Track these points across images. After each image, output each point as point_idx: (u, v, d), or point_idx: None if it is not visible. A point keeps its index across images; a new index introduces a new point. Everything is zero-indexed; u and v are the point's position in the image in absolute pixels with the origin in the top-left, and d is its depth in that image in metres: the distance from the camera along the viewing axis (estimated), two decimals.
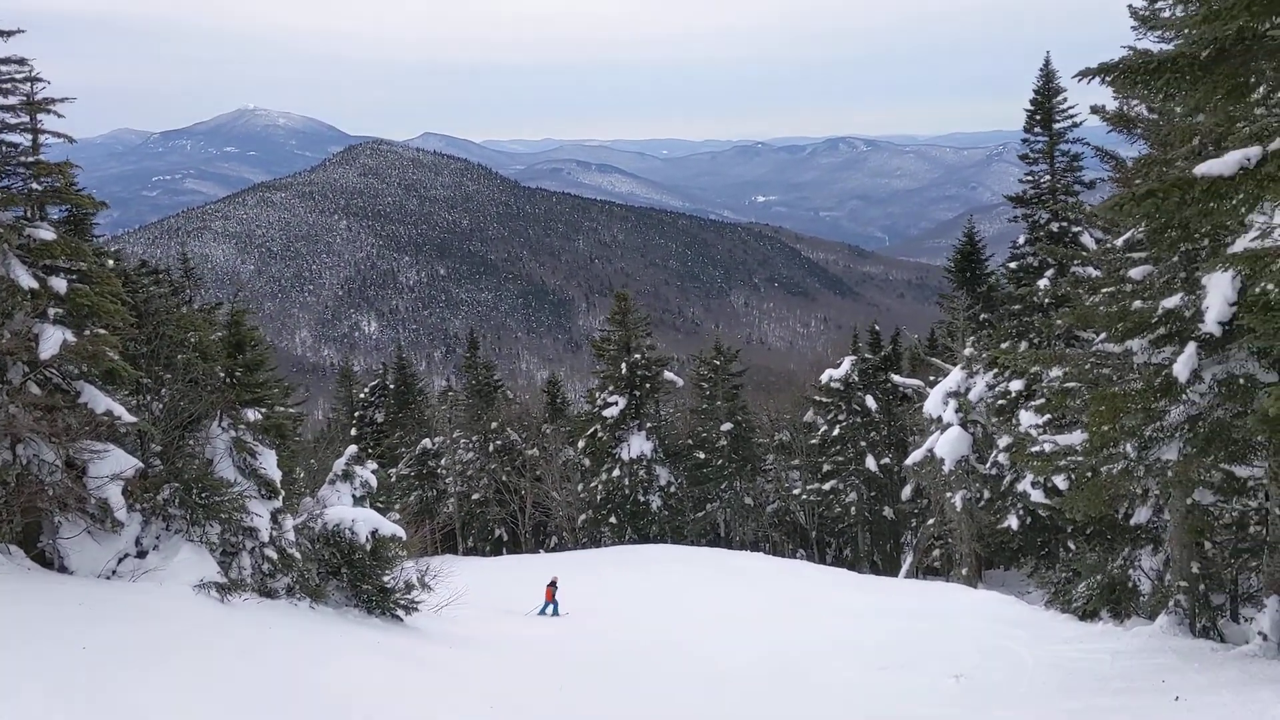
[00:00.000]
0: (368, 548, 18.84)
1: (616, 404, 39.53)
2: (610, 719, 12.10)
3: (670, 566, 32.11)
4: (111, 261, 17.30)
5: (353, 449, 20.30)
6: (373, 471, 20.76)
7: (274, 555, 17.13)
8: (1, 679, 7.94)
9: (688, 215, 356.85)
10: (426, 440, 45.87)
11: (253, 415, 17.95)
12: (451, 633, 20.39)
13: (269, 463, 17.53)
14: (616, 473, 39.23)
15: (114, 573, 14.98)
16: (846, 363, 37.51)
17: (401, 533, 19.40)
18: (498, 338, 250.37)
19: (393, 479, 46.60)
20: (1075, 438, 14.03)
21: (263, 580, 17.08)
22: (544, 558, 39.28)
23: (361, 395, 50.36)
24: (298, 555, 17.76)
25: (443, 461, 45.72)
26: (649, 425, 40.01)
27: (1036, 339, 24.16)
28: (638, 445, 39.42)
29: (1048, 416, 19.78)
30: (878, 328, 40.99)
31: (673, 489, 39.90)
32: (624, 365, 39.38)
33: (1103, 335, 13.29)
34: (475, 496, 45.02)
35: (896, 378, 34.38)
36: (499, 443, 44.97)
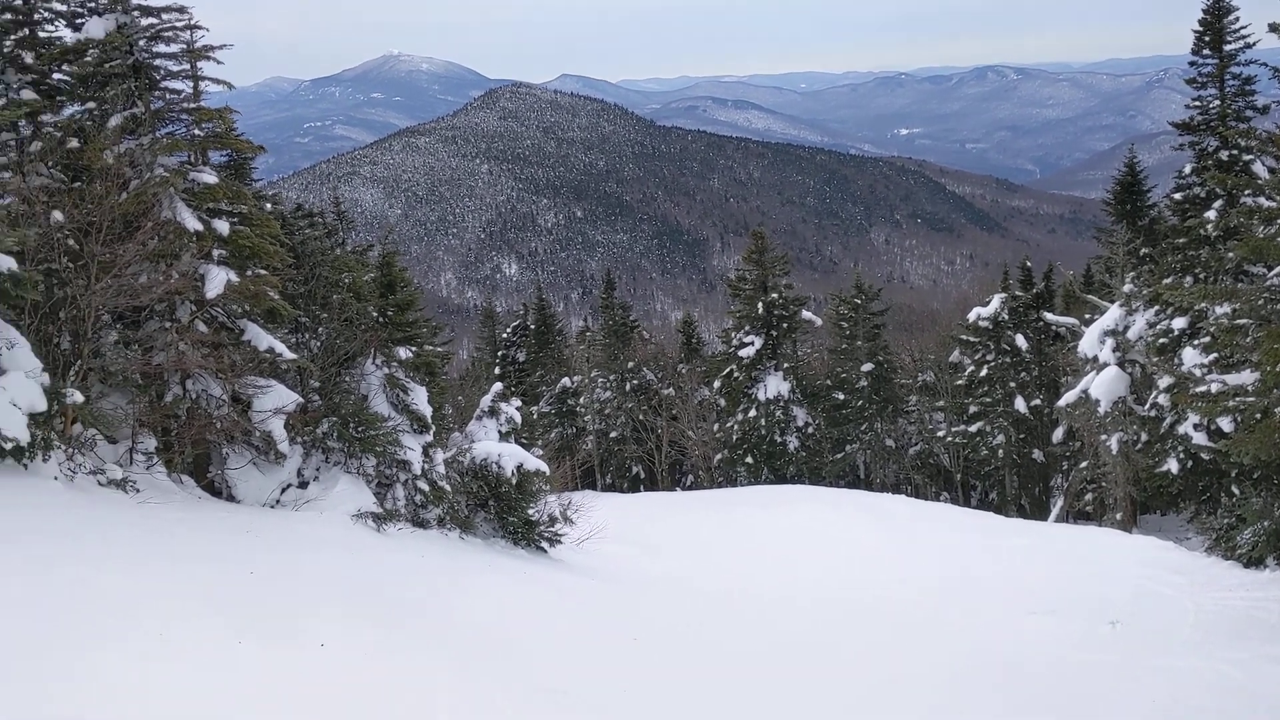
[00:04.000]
0: (513, 481, 19.27)
1: (753, 344, 39.28)
2: (747, 656, 12.12)
3: (808, 506, 31.79)
4: (270, 205, 17.93)
5: (498, 386, 20.73)
6: (516, 408, 21.19)
7: (426, 487, 17.70)
8: (177, 600, 8.40)
9: (826, 150, 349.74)
10: (566, 379, 46.60)
11: (404, 353, 18.51)
12: (591, 565, 20.78)
13: (420, 399, 18.07)
14: (753, 413, 39.09)
15: (278, 502, 15.75)
16: (996, 300, 36.33)
17: (545, 468, 19.79)
18: (633, 279, 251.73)
19: (534, 416, 47.62)
20: (1245, 377, 13.27)
21: (415, 511, 17.69)
22: (680, 495, 39.58)
23: (504, 335, 51.38)
24: (448, 488, 18.31)
25: (581, 400, 46.39)
26: (786, 365, 39.65)
27: (1203, 274, 22.88)
28: (774, 386, 39.16)
29: (1214, 355, 18.76)
30: (1029, 264, 39.51)
31: (810, 430, 39.57)
32: (760, 304, 39.02)
33: (1276, 269, 12.46)
34: (613, 434, 45.60)
35: (1049, 316, 33.14)
36: (635, 382, 45.34)
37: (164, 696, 6.25)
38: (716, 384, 41.04)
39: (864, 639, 13.85)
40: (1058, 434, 32.14)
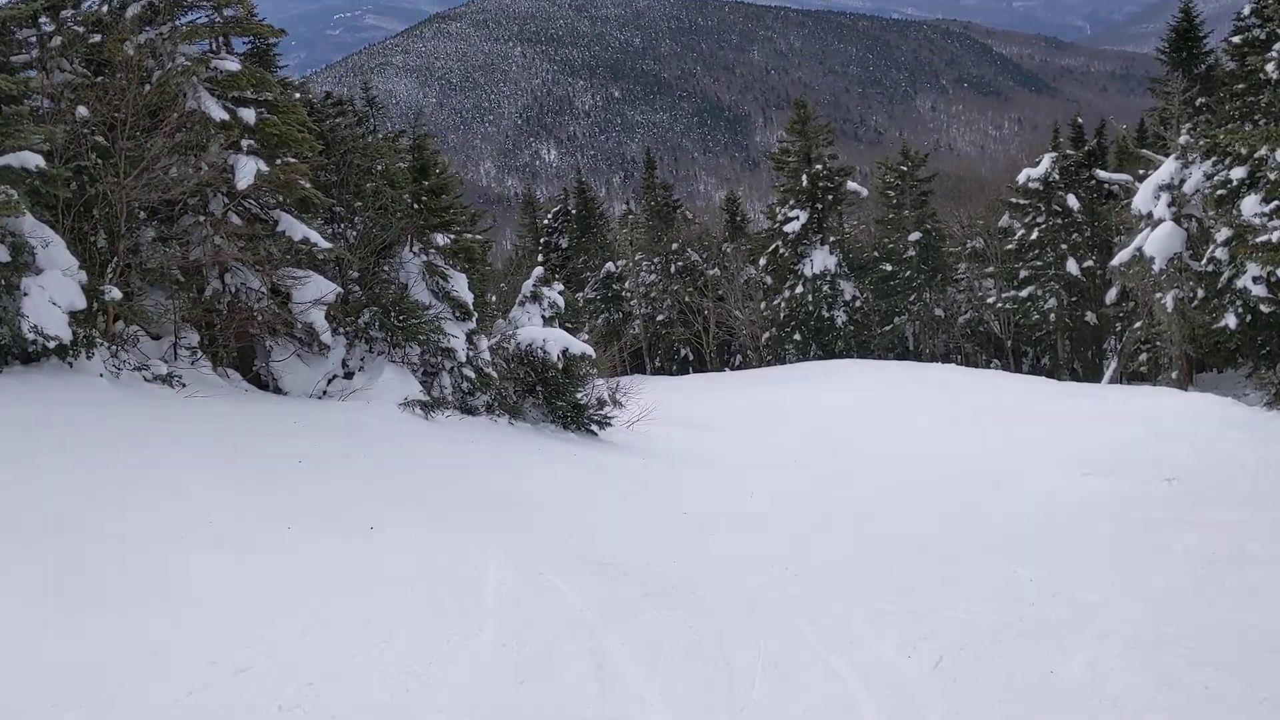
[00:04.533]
0: (559, 366, 19.26)
1: (798, 218, 38.64)
2: (799, 525, 12.11)
3: (857, 379, 31.68)
4: (298, 94, 17.64)
5: (539, 270, 20.57)
6: (559, 293, 21.05)
7: (471, 374, 17.73)
8: (231, 493, 8.46)
9: (868, 16, 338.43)
10: (610, 264, 46.29)
11: (441, 239, 18.36)
12: (642, 445, 20.88)
13: (460, 285, 17.97)
14: (799, 289, 38.68)
15: (324, 393, 15.85)
16: (1046, 160, 35.16)
17: (591, 351, 19.75)
18: (674, 159, 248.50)
19: (580, 303, 47.55)
20: None
21: (463, 398, 17.76)
22: (729, 375, 39.58)
23: (545, 221, 50.99)
24: (494, 374, 18.33)
25: (626, 284, 46.17)
26: (832, 239, 39.03)
27: (1262, 119, 21.88)
28: (820, 260, 38.64)
29: (1275, 203, 18.04)
30: (1080, 121, 38.08)
31: (858, 303, 39.12)
32: (804, 177, 38.24)
33: None
34: (660, 318, 45.45)
35: (1101, 173, 32.07)
36: (680, 264, 44.95)
37: (208, 577, 6.31)
38: (762, 261, 40.58)
39: (917, 506, 13.78)
40: (1111, 295, 31.41)
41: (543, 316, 20.35)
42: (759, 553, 9.75)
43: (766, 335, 41.28)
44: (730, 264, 43.15)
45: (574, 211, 48.91)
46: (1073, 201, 34.80)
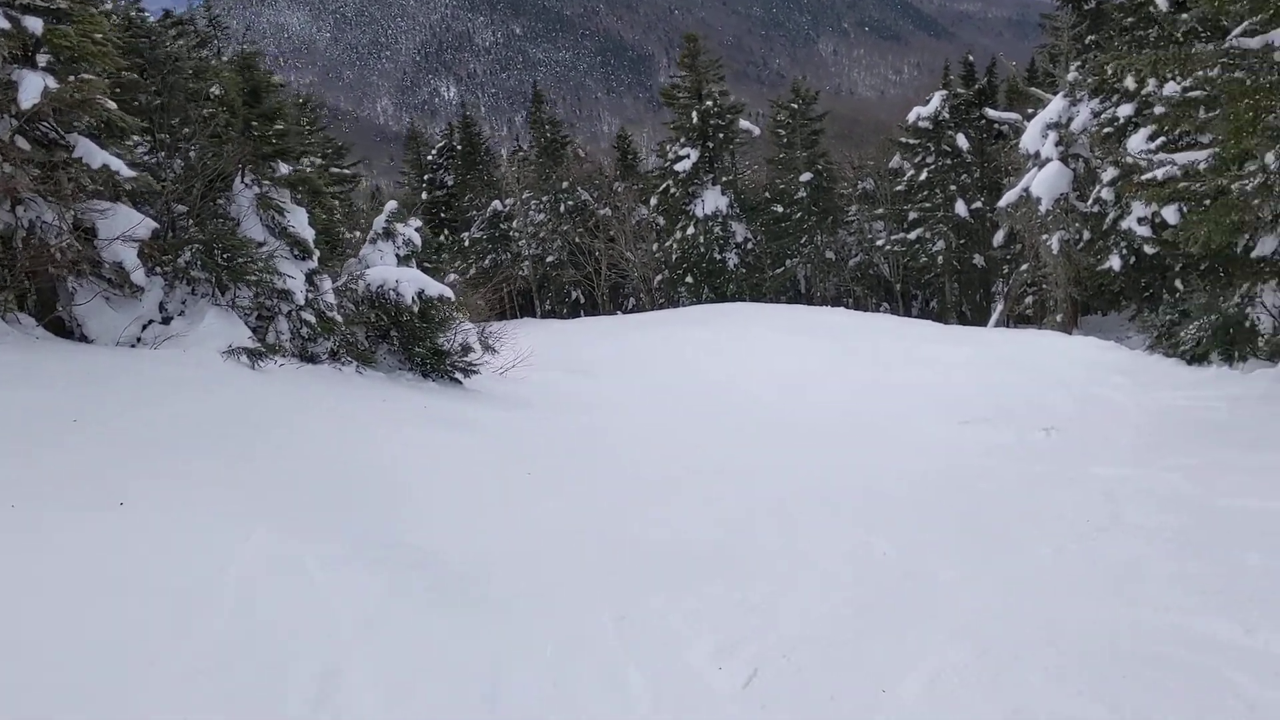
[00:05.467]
0: (415, 309, 17.83)
1: (688, 157, 37.38)
2: (649, 487, 11.01)
3: (747, 323, 30.88)
4: (109, 4, 15.73)
5: (392, 204, 18.96)
6: (416, 229, 19.52)
7: (312, 319, 16.18)
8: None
9: None
10: (496, 202, 44.52)
11: (285, 169, 16.71)
12: (513, 394, 19.66)
13: (299, 221, 16.35)
14: (691, 230, 37.53)
15: (138, 340, 14.15)
16: (936, 98, 34.39)
17: (449, 292, 18.28)
18: (577, 98, 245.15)
19: (465, 243, 45.80)
20: (1199, 154, 11.92)
21: (303, 345, 16.23)
22: (619, 319, 38.42)
23: (429, 158, 48.85)
24: (339, 318, 16.81)
25: (514, 224, 44.50)
26: (724, 179, 37.89)
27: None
28: (712, 201, 37.49)
29: (1162, 140, 17.38)
30: (971, 59, 37.38)
31: (750, 245, 38.16)
32: (695, 114, 36.91)
33: (1238, 29, 10.95)
34: (549, 259, 43.93)
35: (991, 112, 31.38)
36: (570, 203, 43.40)
37: None
38: (653, 201, 39.31)
39: (784, 458, 12.82)
40: (998, 237, 30.92)
41: (397, 255, 18.85)
42: (592, 524, 8.60)
43: (659, 278, 40.14)
44: (622, 204, 41.76)
45: (459, 147, 46.85)
46: (962, 141, 34.15)
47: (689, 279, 37.72)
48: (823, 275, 40.15)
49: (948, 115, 34.29)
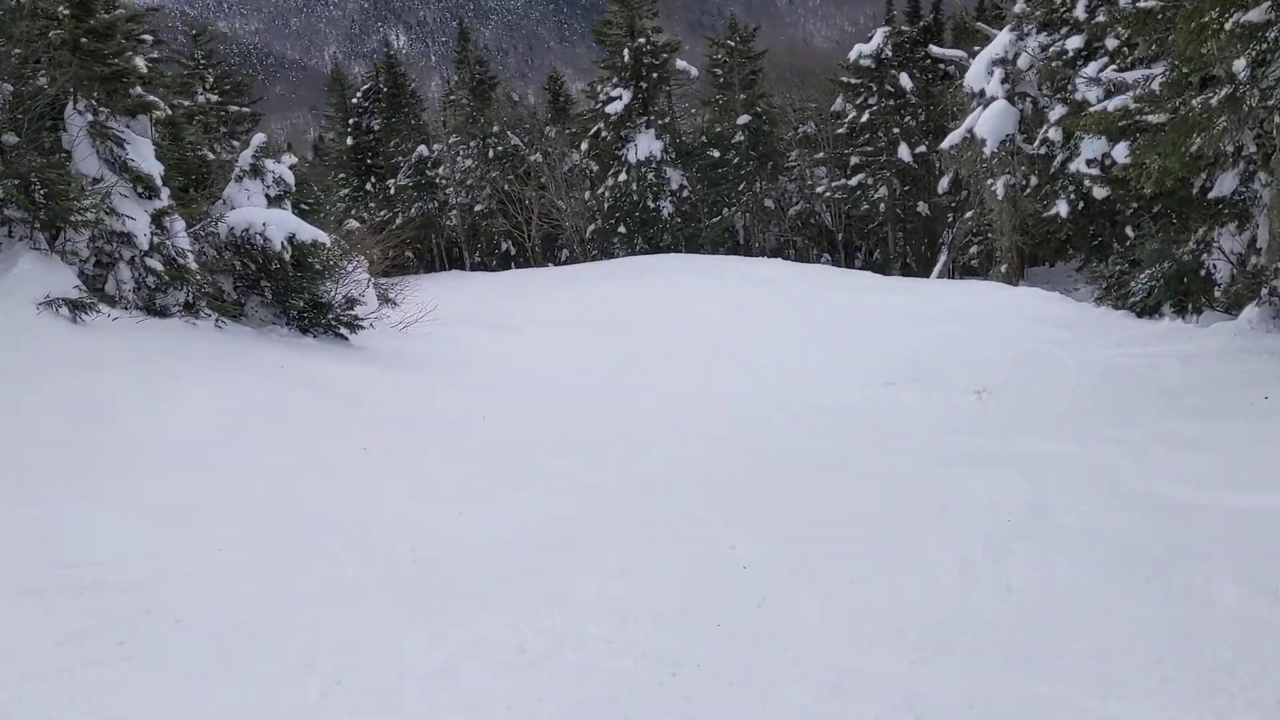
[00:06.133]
0: (286, 256, 15.88)
1: (620, 98, 35.26)
2: (507, 460, 9.30)
3: (680, 276, 29.17)
4: None
5: (260, 138, 16.83)
6: (290, 166, 17.48)
7: (158, 265, 14.21)
8: None
9: None
10: (423, 147, 42.17)
11: (141, 95, 14.73)
12: (407, 351, 17.94)
13: (142, 153, 14.29)
14: (623, 177, 35.52)
15: None
16: (878, 35, 32.36)
17: (324, 237, 16.30)
18: (529, 48, 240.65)
19: (391, 190, 43.54)
20: (1153, 71, 10.30)
21: (150, 296, 14.27)
22: (549, 271, 36.50)
23: (354, 100, 46.27)
24: (193, 265, 14.80)
25: (441, 170, 42.22)
26: (659, 123, 35.82)
27: None
28: (646, 145, 35.47)
29: (1114, 68, 15.73)
30: None
31: (686, 193, 36.22)
32: (627, 51, 34.74)
33: None
34: (478, 208, 41.75)
35: (936, 49, 29.39)
36: (500, 149, 41.15)
37: None
38: (584, 145, 37.19)
39: (681, 426, 11.15)
40: (943, 183, 29.32)
41: (266, 195, 16.81)
42: (392, 519, 6.84)
43: (591, 228, 38.16)
44: (553, 149, 39.58)
45: (385, 89, 44.33)
46: (906, 81, 32.18)
47: (621, 229, 35.77)
48: (762, 225, 38.28)
49: (890, 53, 32.31)
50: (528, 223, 41.08)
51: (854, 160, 33.48)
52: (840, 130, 34.24)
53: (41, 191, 12.91)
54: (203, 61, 27.33)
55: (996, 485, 6.36)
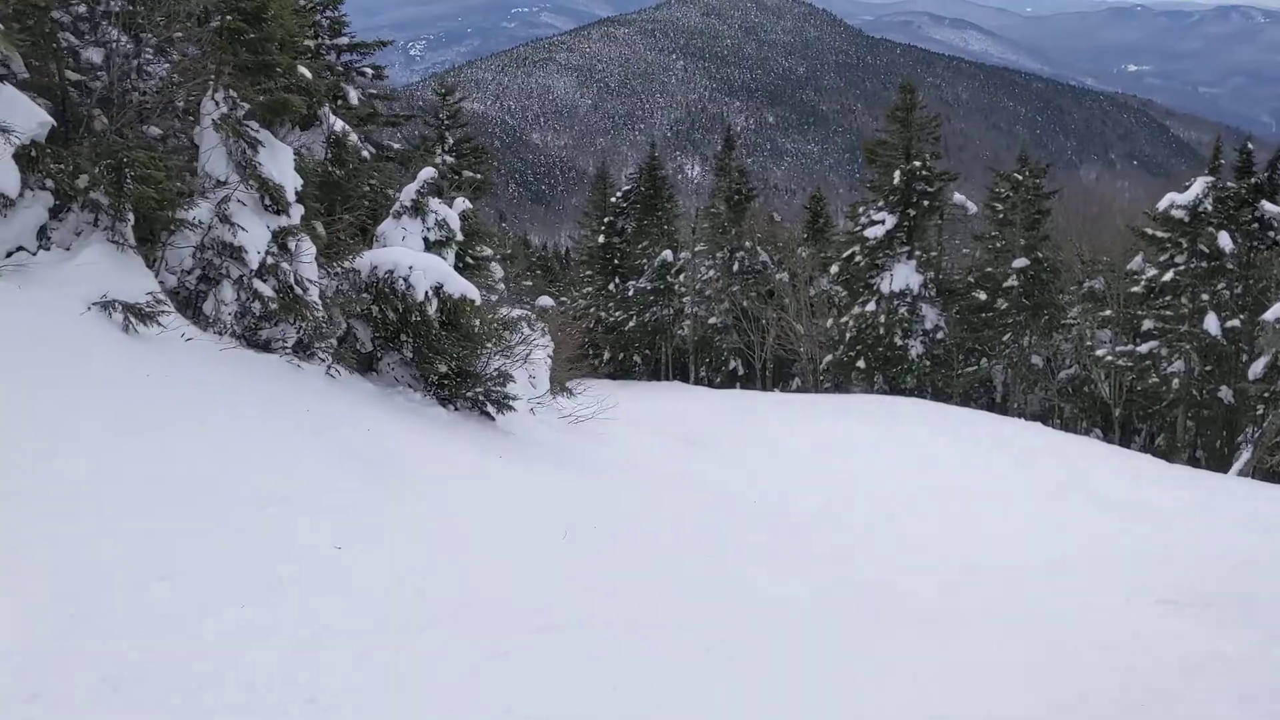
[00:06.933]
0: (430, 310, 13.60)
1: (883, 222, 32.02)
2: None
3: (917, 426, 25.28)
4: None
5: (430, 171, 14.72)
6: (461, 212, 15.36)
7: (268, 291, 12.10)
8: None
9: (1044, 79, 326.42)
10: (667, 252, 40.38)
11: (278, 94, 12.97)
12: (567, 448, 15.37)
13: (277, 161, 12.39)
14: (872, 307, 32.01)
15: None
16: (1198, 185, 27.40)
17: (474, 293, 13.86)
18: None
19: (630, 292, 42.00)
20: None
21: (255, 325, 12.17)
22: (775, 396, 33.25)
23: (613, 200, 45.43)
24: (313, 299, 12.69)
25: (681, 278, 40.20)
26: (921, 255, 32.21)
27: None
28: (903, 276, 31.90)
29: None
30: (1251, 146, 30.20)
31: (940, 335, 32.18)
32: (898, 174, 31.57)
33: None
34: (712, 320, 39.31)
35: (1270, 205, 24.44)
36: (746, 262, 38.69)
37: None
38: (834, 269, 34.04)
39: (890, 629, 7.59)
40: (1257, 367, 23.92)
41: (425, 239, 14.71)
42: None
43: (829, 358, 34.68)
44: (802, 270, 36.61)
45: (642, 190, 43.17)
46: (1225, 241, 26.96)
47: (861, 363, 32.09)
48: (1026, 384, 33.44)
49: (1210, 207, 27.30)
50: (761, 343, 38.14)
51: (1147, 325, 28.38)
52: (1135, 289, 29.32)
53: (134, 180, 11.05)
54: (446, 122, 26.54)
55: None
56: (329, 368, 12.88)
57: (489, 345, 15.18)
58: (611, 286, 43.17)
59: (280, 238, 12.51)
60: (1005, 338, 31.83)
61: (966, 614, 8.30)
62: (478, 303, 14.13)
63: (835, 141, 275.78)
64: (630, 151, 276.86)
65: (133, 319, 10.14)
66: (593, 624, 6.36)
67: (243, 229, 11.90)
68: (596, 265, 43.86)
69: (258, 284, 12.11)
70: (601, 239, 44.16)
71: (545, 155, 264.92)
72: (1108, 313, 30.79)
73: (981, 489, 17.39)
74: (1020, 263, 31.43)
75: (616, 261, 43.94)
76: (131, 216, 11.25)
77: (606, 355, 41.64)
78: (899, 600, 8.53)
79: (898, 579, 9.60)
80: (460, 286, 13.89)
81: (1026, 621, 8.09)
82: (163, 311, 10.54)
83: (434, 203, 14.51)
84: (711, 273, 39.28)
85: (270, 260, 12.31)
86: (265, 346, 12.25)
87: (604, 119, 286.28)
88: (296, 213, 12.81)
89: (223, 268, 12.00)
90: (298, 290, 12.56)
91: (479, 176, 26.71)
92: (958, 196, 32.95)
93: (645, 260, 41.46)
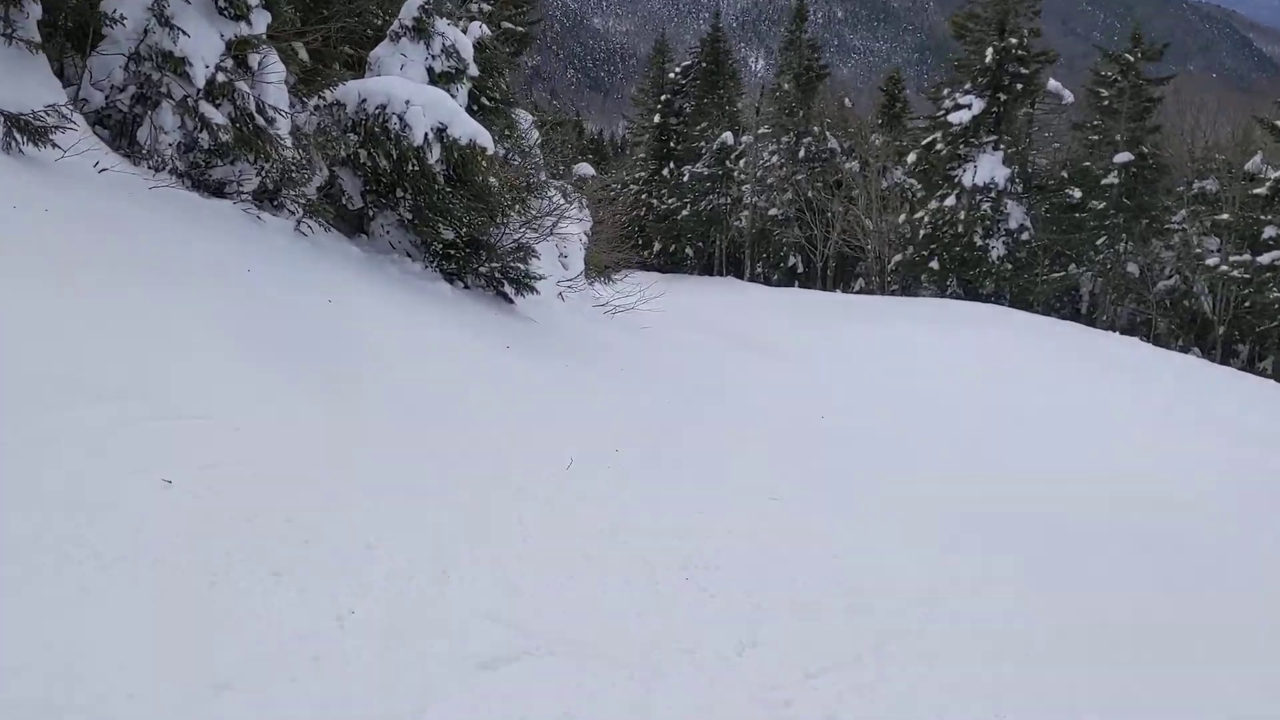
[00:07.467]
0: (430, 158, 10.93)
1: (969, 106, 28.56)
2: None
3: (997, 332, 22.67)
4: None
5: None
6: (476, 39, 12.57)
7: (220, 119, 9.47)
8: None
9: None
10: (728, 134, 37.11)
11: None
12: (576, 338, 12.92)
13: None
14: (951, 201, 28.79)
15: None
16: None
17: (488, 141, 11.11)
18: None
19: (685, 177, 38.95)
20: None
21: (205, 162, 9.62)
22: (837, 297, 30.42)
23: (672, 75, 42.00)
24: (283, 134, 10.05)
25: (742, 164, 36.99)
26: (1008, 145, 28.76)
27: None
28: (988, 168, 28.56)
29: None
30: None
31: (1025, 236, 28.93)
32: (990, 51, 27.97)
33: None
34: (773, 212, 36.19)
35: None
36: (813, 149, 35.36)
37: None
38: (911, 157, 30.72)
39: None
40: None
41: (429, 70, 11.93)
42: None
43: (898, 258, 31.60)
44: (874, 160, 33.25)
45: (703, 65, 39.69)
46: None
47: (934, 264, 28.99)
48: (1116, 294, 30.17)
49: None
50: (825, 239, 35.03)
51: (1269, 233, 25.00)
52: (1257, 190, 25.81)
53: None
54: None
55: None
56: (299, 222, 10.28)
57: (511, 211, 12.53)
58: (666, 172, 40.07)
59: (238, 50, 9.81)
60: (1099, 241, 28.52)
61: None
62: (491, 152, 11.36)
63: (905, 40, 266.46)
64: (694, 41, 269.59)
65: (17, 134, 7.54)
66: None
67: (185, 34, 9.25)
68: (650, 148, 40.68)
69: (205, 108, 9.48)
70: (657, 118, 40.91)
71: (606, 41, 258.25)
72: (1225, 216, 27.25)
73: (1069, 400, 14.88)
74: (1123, 157, 27.93)
75: (672, 144, 40.77)
76: (37, 7, 8.61)
77: (657, 246, 38.78)
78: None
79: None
80: (470, 130, 11.15)
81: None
82: (62, 128, 7.87)
83: (441, 23, 11.68)
84: (774, 159, 36.00)
85: (224, 79, 9.63)
86: (217, 190, 9.74)
87: (667, 6, 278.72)
88: (261, 20, 10.08)
89: (162, 85, 9.37)
90: (259, 120, 9.90)
91: (521, 30, 23.63)
92: (1053, 83, 29.34)
93: (703, 143, 38.22)
